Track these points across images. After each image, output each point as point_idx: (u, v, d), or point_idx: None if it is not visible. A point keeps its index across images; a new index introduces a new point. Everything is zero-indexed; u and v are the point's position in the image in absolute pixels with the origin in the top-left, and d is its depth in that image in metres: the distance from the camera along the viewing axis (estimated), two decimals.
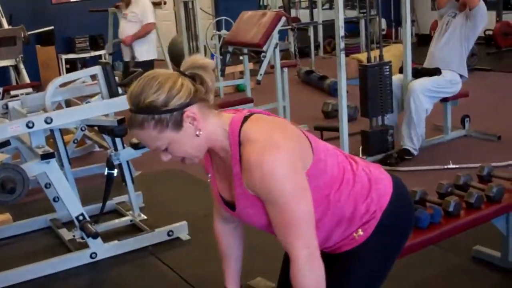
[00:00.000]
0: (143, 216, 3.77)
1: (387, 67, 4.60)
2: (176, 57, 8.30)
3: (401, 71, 4.88)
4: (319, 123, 5.48)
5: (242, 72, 7.38)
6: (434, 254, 2.96)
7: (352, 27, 10.35)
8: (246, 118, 1.57)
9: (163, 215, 3.82)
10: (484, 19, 4.73)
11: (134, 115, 1.51)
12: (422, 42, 9.92)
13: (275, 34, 5.41)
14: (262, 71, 5.43)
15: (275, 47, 5.43)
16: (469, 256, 3.06)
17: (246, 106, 5.61)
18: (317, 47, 10.00)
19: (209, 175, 1.74)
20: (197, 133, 1.54)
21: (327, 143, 1.76)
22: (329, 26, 10.12)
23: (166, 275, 3.18)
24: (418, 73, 4.80)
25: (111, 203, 3.97)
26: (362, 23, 9.87)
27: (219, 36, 6.07)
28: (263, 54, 5.39)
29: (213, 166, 1.71)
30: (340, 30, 4.39)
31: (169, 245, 3.49)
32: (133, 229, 3.69)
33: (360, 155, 4.69)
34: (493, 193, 2.63)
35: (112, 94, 3.45)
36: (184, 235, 3.56)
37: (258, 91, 6.47)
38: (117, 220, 3.79)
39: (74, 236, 3.51)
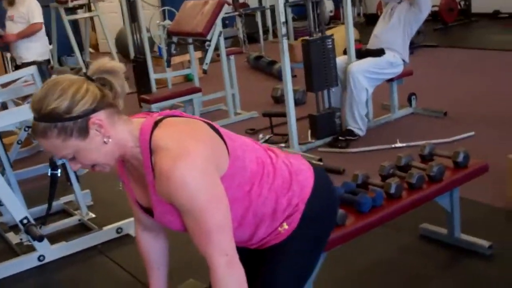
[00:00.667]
0: (92, 215, 3.73)
1: (329, 40, 4.61)
2: (124, 48, 8.17)
3: (345, 52, 4.90)
4: (268, 109, 5.47)
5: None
6: (382, 235, 2.99)
7: (300, 10, 10.33)
8: (156, 124, 1.52)
9: (112, 213, 3.76)
10: (428, 6, 4.77)
11: (36, 123, 1.43)
12: (370, 21, 9.98)
13: (219, 22, 5.38)
14: (207, 60, 5.40)
15: (219, 35, 5.40)
16: (417, 234, 3.10)
17: (194, 95, 5.58)
18: (266, 32, 9.98)
19: (121, 183, 1.70)
20: (105, 140, 1.47)
21: (245, 137, 1.72)
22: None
23: (116, 274, 3.14)
24: (362, 54, 4.83)
25: (59, 203, 3.91)
26: (309, 5, 9.85)
27: (163, 27, 5.98)
28: (207, 43, 5.36)
29: (127, 173, 1.66)
30: (281, 16, 4.36)
31: (119, 243, 3.45)
32: (82, 229, 3.64)
33: (309, 139, 4.71)
34: (434, 173, 2.66)
35: None
36: (134, 232, 3.51)
37: (207, 80, 6.42)
38: (65, 220, 3.74)
39: (21, 239, 3.45)
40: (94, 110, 1.44)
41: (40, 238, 3.14)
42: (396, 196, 2.53)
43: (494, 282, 2.67)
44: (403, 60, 4.82)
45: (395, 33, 4.78)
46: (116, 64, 1.50)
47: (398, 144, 4.40)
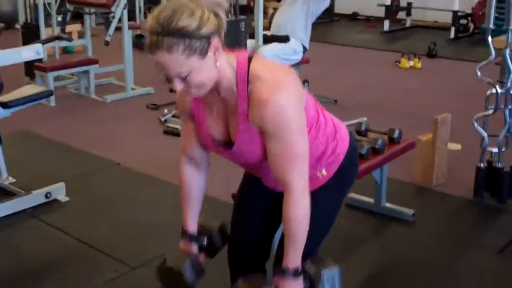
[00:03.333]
0: (12, 179, 3.57)
1: (243, 22, 4.76)
2: None
3: (251, 36, 5.10)
4: (164, 86, 5.51)
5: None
6: None
7: None
8: (250, 59, 1.65)
9: (32, 178, 3.65)
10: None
11: (161, 38, 1.48)
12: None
13: None
14: (110, 31, 5.33)
15: (124, 8, 5.34)
16: (344, 204, 3.40)
17: (91, 67, 5.47)
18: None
19: (201, 117, 1.75)
20: (217, 64, 1.57)
21: None
22: None
23: (55, 236, 3.09)
24: (268, 39, 5.07)
25: None
26: None
27: None
28: (111, 14, 5.28)
29: (204, 108, 1.74)
30: None
31: (49, 207, 3.37)
32: (3, 193, 3.48)
33: None
34: (379, 145, 2.97)
35: None
36: (63, 197, 3.45)
37: (98, 53, 6.26)
38: None
39: None
40: (213, 34, 1.53)
41: None
42: (366, 157, 2.82)
43: (418, 243, 3.06)
44: (304, 47, 5.13)
45: (298, 21, 5.06)
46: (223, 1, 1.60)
47: None
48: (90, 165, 4.00)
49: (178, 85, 1.57)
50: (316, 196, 1.81)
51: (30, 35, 5.56)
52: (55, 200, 3.42)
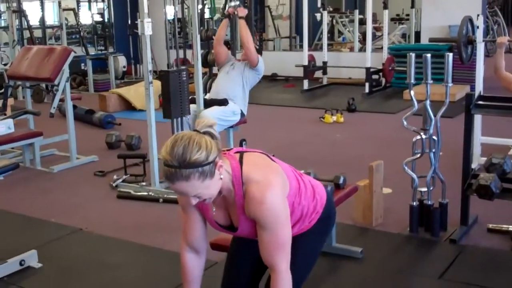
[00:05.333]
0: None
1: (184, 72, 5.02)
2: None
3: (192, 101, 5.46)
4: (122, 153, 5.76)
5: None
6: None
7: (100, 63, 10.67)
8: (241, 162, 2.04)
9: (0, 249, 3.79)
10: (263, 68, 5.56)
11: (179, 170, 1.85)
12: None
13: (66, 68, 5.59)
14: (55, 104, 5.55)
15: (67, 81, 5.60)
16: None
17: (36, 139, 5.64)
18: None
19: (213, 211, 2.14)
20: (221, 177, 1.96)
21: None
22: (74, 63, 10.33)
23: None
24: (207, 103, 5.45)
25: None
26: (111, 59, 10.26)
27: None
28: (55, 87, 5.52)
29: (211, 204, 2.10)
30: (148, 65, 4.80)
31: (24, 274, 3.52)
32: None
33: None
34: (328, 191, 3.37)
35: None
36: (35, 263, 3.62)
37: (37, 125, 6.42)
38: None
39: None
40: (217, 156, 1.92)
41: None
42: None
43: (367, 276, 3.45)
44: (242, 112, 5.53)
45: (236, 86, 5.47)
46: (213, 120, 2.02)
47: None
48: (54, 232, 4.17)
49: (194, 201, 1.96)
50: (301, 239, 2.22)
51: None
52: (29, 267, 3.58)
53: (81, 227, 4.25)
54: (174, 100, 4.97)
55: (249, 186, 2.00)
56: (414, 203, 3.94)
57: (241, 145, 5.93)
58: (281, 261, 2.04)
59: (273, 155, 2.22)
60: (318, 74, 10.33)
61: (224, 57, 5.57)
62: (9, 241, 4.03)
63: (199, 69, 5.36)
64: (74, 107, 8.00)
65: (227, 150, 2.12)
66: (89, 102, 8.51)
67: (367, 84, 9.23)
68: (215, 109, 5.33)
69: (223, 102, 5.40)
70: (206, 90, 5.78)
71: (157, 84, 5.48)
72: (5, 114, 5.59)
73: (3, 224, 4.40)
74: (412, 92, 3.86)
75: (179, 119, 5.07)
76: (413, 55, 3.80)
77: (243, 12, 5.52)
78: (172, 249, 3.63)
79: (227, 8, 5.65)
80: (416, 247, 3.85)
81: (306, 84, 9.87)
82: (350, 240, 3.81)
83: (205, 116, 5.18)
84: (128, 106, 8.57)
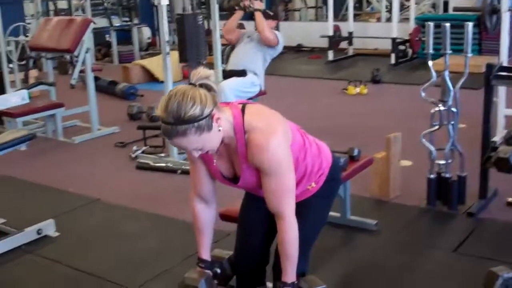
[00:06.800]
0: (2, 219, 3.78)
1: (200, 17, 5.03)
2: None
3: None
4: (127, 125, 5.79)
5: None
6: None
7: (125, 34, 10.67)
8: (243, 111, 2.02)
9: (19, 218, 3.85)
10: (283, 44, 5.50)
11: (175, 127, 1.84)
12: None
13: (86, 39, 5.60)
14: (75, 75, 5.59)
15: (87, 52, 5.62)
16: None
17: (57, 110, 5.70)
18: None
19: (214, 162, 2.12)
20: (220, 129, 1.94)
21: None
22: (97, 34, 10.38)
23: (53, 268, 3.31)
24: (226, 74, 5.42)
25: None
26: (135, 31, 10.26)
27: (17, 42, 6.01)
28: (75, 58, 5.55)
29: (214, 155, 2.09)
30: (165, 36, 4.78)
31: (42, 243, 3.58)
32: None
33: None
34: (342, 163, 3.33)
35: None
36: (53, 232, 3.68)
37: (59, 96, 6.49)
38: None
39: None
40: (213, 109, 1.89)
41: None
42: None
43: (381, 249, 3.42)
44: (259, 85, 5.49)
45: (254, 57, 5.41)
46: (209, 71, 1.98)
47: None
48: (72, 202, 4.23)
49: (196, 154, 1.95)
50: (309, 202, 2.22)
51: None
52: (46, 236, 3.64)
53: (99, 197, 4.29)
54: (190, 43, 4.92)
55: (251, 134, 1.98)
56: (432, 176, 3.88)
57: None
58: (286, 207, 2.04)
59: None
60: (344, 45, 10.19)
61: (236, 39, 5.54)
62: (28, 210, 4.10)
63: (218, 40, 5.33)
64: (97, 78, 8.08)
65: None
66: (113, 74, 8.56)
67: (393, 55, 9.08)
68: (233, 80, 5.30)
69: (241, 73, 5.37)
70: (225, 61, 5.76)
71: (176, 55, 5.46)
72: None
73: (23, 195, 4.47)
74: (430, 63, 3.78)
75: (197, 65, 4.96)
76: (431, 24, 3.72)
77: (259, 5, 5.44)
78: (188, 219, 3.63)
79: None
80: (433, 220, 3.81)
81: (331, 55, 9.76)
82: (365, 212, 3.78)
83: (223, 87, 5.16)
84: (151, 77, 8.57)
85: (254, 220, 2.33)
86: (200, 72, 1.95)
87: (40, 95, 6.51)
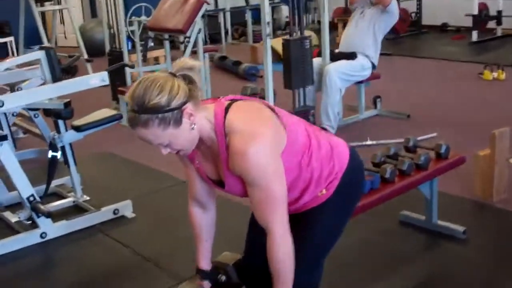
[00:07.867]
0: (86, 197, 3.87)
1: (307, 41, 4.84)
2: (85, 44, 8.30)
3: (319, 54, 5.20)
4: None
5: (156, 58, 7.50)
6: (363, 221, 3.08)
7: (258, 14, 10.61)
8: (227, 109, 1.77)
9: (104, 196, 3.93)
10: (397, 13, 5.13)
11: (138, 115, 1.65)
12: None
13: (198, 20, 5.59)
14: (186, 55, 5.58)
15: (199, 32, 5.61)
16: (396, 221, 3.41)
17: None
18: (225, 33, 10.22)
19: (197, 162, 1.92)
20: (192, 127, 1.72)
21: (292, 114, 1.99)
22: (236, 13, 10.44)
23: (118, 250, 3.33)
24: (335, 56, 5.14)
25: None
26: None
27: (139, 22, 6.15)
28: (187, 39, 5.56)
29: (199, 154, 1.90)
30: (266, 16, 4.62)
31: (117, 223, 3.62)
32: (77, 210, 3.78)
33: None
34: (422, 161, 2.98)
35: (56, 78, 3.52)
36: (129, 213, 3.70)
37: None
38: (59, 202, 3.86)
39: (19, 218, 3.57)
40: (185, 102, 1.67)
41: (48, 215, 3.29)
42: (390, 180, 2.84)
43: (469, 262, 3.02)
44: (373, 64, 5.15)
45: (366, 37, 5.10)
46: (195, 62, 1.74)
47: (369, 142, 4.74)
48: (159, 183, 4.24)
49: (164, 151, 1.74)
50: (320, 210, 1.94)
51: (115, 61, 5.95)
52: (122, 217, 3.68)
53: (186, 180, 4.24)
54: (295, 69, 4.77)
55: (231, 137, 1.73)
56: None
57: (374, 102, 5.56)
58: (274, 221, 1.77)
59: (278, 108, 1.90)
60: (492, 24, 9.34)
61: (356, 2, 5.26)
62: (113, 189, 4.16)
63: (326, 22, 5.06)
64: (224, 58, 8.15)
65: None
66: (244, 54, 8.55)
67: None
68: (342, 63, 5.03)
69: (351, 56, 5.07)
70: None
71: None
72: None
73: (115, 172, 4.60)
74: None
75: (301, 89, 4.84)
76: None
77: None
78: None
79: None
80: None
81: (475, 36, 8.98)
82: (459, 216, 3.37)
83: (329, 69, 4.91)
84: (279, 58, 8.41)
85: (259, 235, 2.09)
86: (184, 61, 1.74)
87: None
